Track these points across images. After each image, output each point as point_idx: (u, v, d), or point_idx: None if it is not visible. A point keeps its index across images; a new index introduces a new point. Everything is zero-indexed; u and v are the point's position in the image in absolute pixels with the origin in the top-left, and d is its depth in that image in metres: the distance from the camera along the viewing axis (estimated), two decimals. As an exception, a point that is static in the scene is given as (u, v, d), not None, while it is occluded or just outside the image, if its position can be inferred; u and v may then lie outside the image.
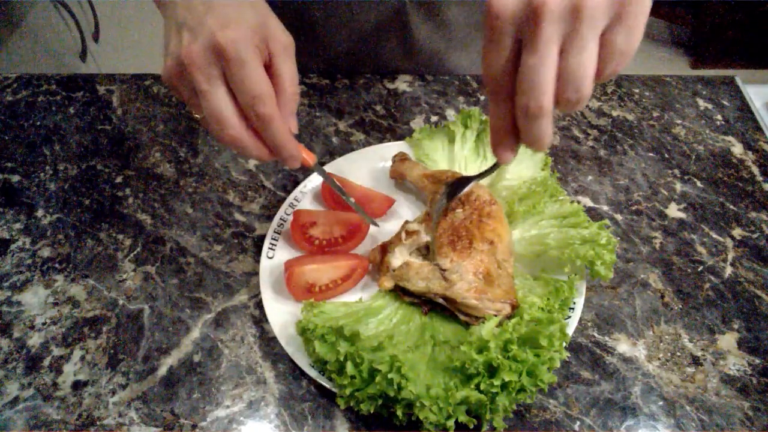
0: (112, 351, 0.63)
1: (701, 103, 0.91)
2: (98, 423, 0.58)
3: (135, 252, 0.72)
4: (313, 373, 0.58)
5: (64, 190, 0.79)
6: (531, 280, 0.65)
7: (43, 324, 0.66)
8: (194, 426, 0.58)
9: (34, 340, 0.64)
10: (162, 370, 0.62)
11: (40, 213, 0.77)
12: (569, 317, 0.61)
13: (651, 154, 0.83)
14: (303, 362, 0.59)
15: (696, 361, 0.62)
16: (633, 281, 0.69)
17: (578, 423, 0.58)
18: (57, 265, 0.71)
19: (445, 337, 0.60)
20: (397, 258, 0.63)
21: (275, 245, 0.69)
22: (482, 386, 0.51)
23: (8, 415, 0.59)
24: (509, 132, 0.45)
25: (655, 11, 2.70)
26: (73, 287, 0.69)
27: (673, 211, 0.76)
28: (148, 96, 0.92)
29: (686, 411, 0.58)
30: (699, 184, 0.79)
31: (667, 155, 0.83)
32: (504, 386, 0.51)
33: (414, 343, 0.59)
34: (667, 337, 0.64)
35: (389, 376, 0.51)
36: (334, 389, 0.56)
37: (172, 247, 0.73)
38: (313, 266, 0.64)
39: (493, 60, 0.42)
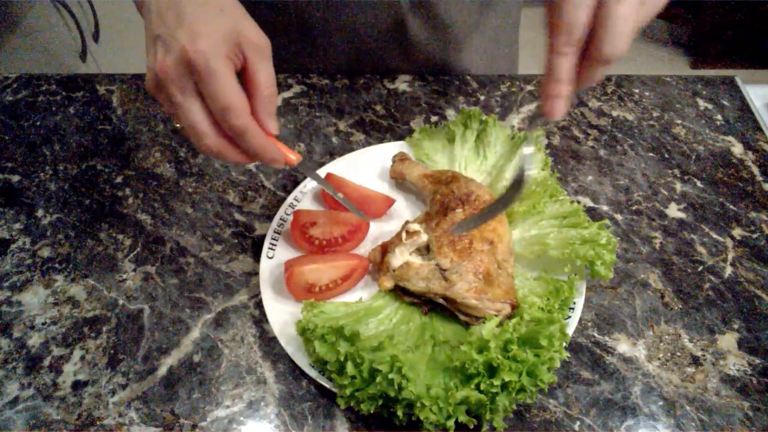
0: (112, 351, 0.63)
1: (701, 103, 0.91)
2: (98, 423, 0.58)
3: (135, 252, 0.72)
4: (313, 373, 0.58)
5: (64, 190, 0.79)
6: (531, 280, 0.65)
7: (43, 324, 0.66)
8: (194, 426, 0.58)
9: (34, 340, 0.64)
10: (162, 370, 0.62)
11: (40, 213, 0.77)
12: (569, 317, 0.61)
13: (651, 154, 0.83)
14: (303, 362, 0.59)
15: (696, 361, 0.62)
16: (633, 281, 0.69)
17: (578, 423, 0.58)
18: (57, 265, 0.71)
19: (445, 337, 0.60)
20: (398, 258, 0.63)
21: (275, 245, 0.69)
22: (482, 386, 0.51)
23: (8, 415, 0.59)
24: (571, 83, 0.47)
25: (655, 11, 2.71)
26: (73, 287, 0.69)
27: (673, 211, 0.76)
28: (148, 96, 0.92)
29: (686, 411, 0.58)
30: (699, 184, 0.79)
31: (667, 155, 0.83)
32: (504, 386, 0.51)
33: (414, 343, 0.59)
34: (667, 337, 0.64)
35: (389, 376, 0.51)
36: (334, 389, 0.56)
37: (172, 247, 0.73)
38: (313, 266, 0.64)
39: (573, 11, 0.44)
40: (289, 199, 0.74)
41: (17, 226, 0.75)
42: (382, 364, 0.51)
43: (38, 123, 0.88)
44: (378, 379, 0.51)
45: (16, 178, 0.81)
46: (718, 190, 0.78)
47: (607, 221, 0.65)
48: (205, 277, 0.70)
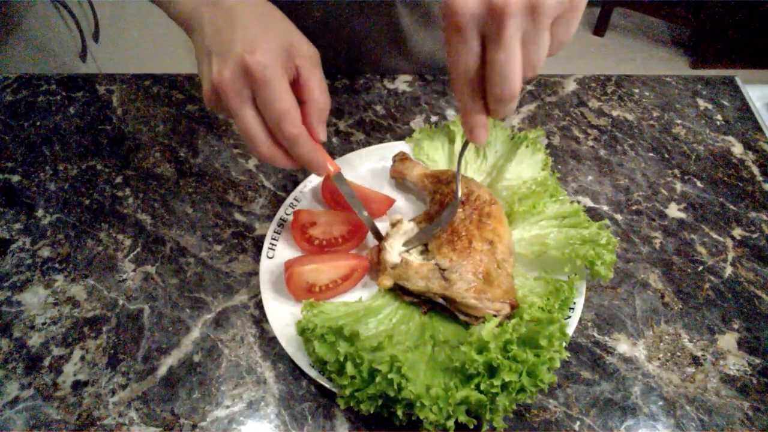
0: (112, 351, 0.63)
1: (701, 103, 0.91)
2: (98, 423, 0.58)
3: (135, 252, 0.72)
4: (313, 373, 0.58)
5: (64, 190, 0.79)
6: (531, 280, 0.65)
7: (43, 324, 0.66)
8: (194, 426, 0.58)
9: (34, 340, 0.64)
10: (162, 370, 0.62)
11: (40, 213, 0.77)
12: (569, 317, 0.61)
13: (651, 154, 0.83)
14: (303, 362, 0.59)
15: (696, 361, 0.62)
16: (633, 281, 0.69)
17: (578, 423, 0.58)
18: (57, 265, 0.71)
19: (444, 337, 0.60)
20: (392, 251, 0.63)
21: (275, 245, 0.69)
22: (482, 386, 0.51)
23: (8, 415, 0.59)
24: (481, 113, 0.49)
25: (655, 11, 2.71)
26: (73, 287, 0.69)
27: (673, 211, 0.76)
28: (148, 96, 0.92)
29: (686, 411, 0.58)
30: (699, 184, 0.79)
31: (667, 155, 0.83)
32: (504, 386, 0.51)
33: (414, 342, 0.59)
34: (667, 337, 0.64)
35: (389, 376, 0.51)
36: (334, 389, 0.56)
37: (172, 247, 0.73)
38: (313, 266, 0.64)
39: (463, 58, 0.45)
40: (289, 199, 0.74)
41: (17, 226, 0.75)
42: (381, 364, 0.51)
43: (38, 123, 0.88)
44: (378, 379, 0.51)
45: (16, 178, 0.81)
46: (718, 190, 0.78)
47: (607, 221, 0.65)
48: (205, 277, 0.70)
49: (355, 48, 0.92)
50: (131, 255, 0.72)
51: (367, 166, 0.78)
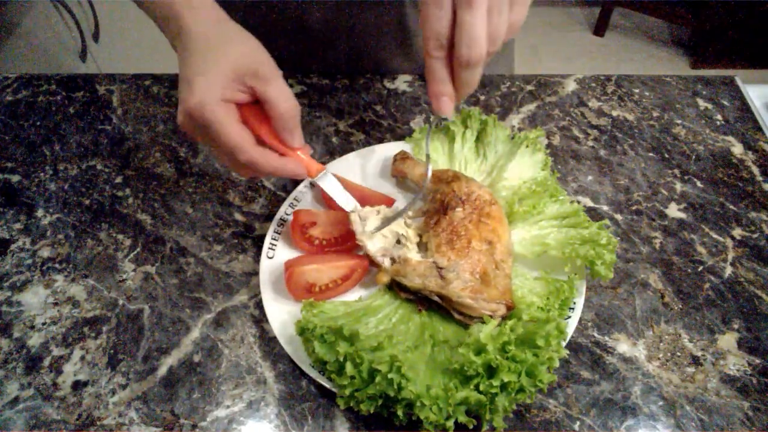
0: (112, 351, 0.63)
1: (701, 103, 0.91)
2: (98, 423, 0.58)
3: (135, 252, 0.72)
4: (313, 373, 0.58)
5: (64, 190, 0.79)
6: (531, 279, 0.65)
7: (43, 324, 0.66)
8: (194, 426, 0.58)
9: (34, 340, 0.64)
10: (162, 370, 0.62)
11: (40, 213, 0.77)
12: (569, 317, 0.61)
13: (651, 154, 0.83)
14: (303, 362, 0.59)
15: (696, 361, 0.62)
16: (633, 281, 0.69)
17: (578, 423, 0.58)
18: (57, 265, 0.71)
19: (444, 337, 0.60)
20: (369, 243, 0.64)
21: (275, 245, 0.69)
22: (481, 387, 0.51)
23: (8, 415, 0.59)
24: (448, 82, 0.53)
25: (655, 11, 2.71)
26: (73, 287, 0.69)
27: (673, 211, 0.76)
28: (148, 96, 0.92)
29: (686, 411, 0.58)
30: (699, 184, 0.79)
31: (667, 155, 0.83)
32: (503, 387, 0.51)
33: (413, 342, 0.59)
34: (667, 337, 0.64)
35: (389, 376, 0.51)
36: (334, 389, 0.56)
37: (172, 247, 0.73)
38: (313, 266, 0.64)
39: (435, 21, 0.49)
40: (289, 199, 0.74)
41: (17, 226, 0.75)
42: (381, 364, 0.51)
43: (38, 123, 0.88)
44: (377, 379, 0.51)
45: (16, 178, 0.81)
46: (718, 190, 0.78)
47: (607, 221, 0.65)
48: (205, 277, 0.70)
49: (357, 47, 0.92)
50: (131, 255, 0.72)
51: (367, 166, 0.78)
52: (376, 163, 0.79)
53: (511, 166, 0.73)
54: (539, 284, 0.63)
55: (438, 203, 0.67)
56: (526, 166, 0.73)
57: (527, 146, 0.74)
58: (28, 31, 2.28)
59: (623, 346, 0.63)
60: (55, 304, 0.68)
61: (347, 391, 0.53)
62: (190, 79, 0.54)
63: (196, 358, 0.63)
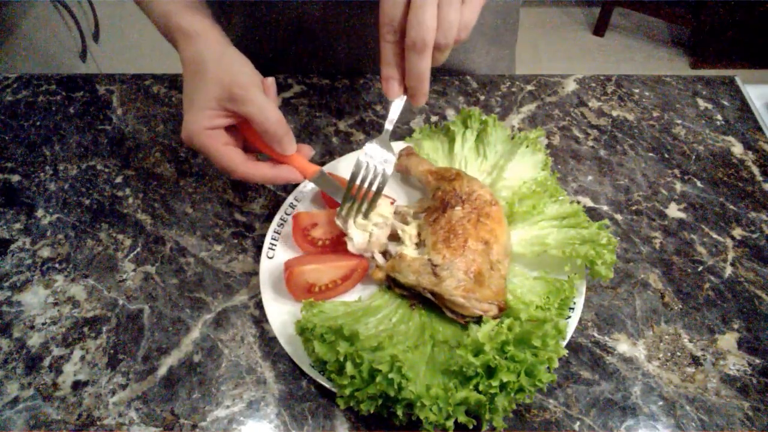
0: (112, 351, 0.63)
1: (701, 103, 0.91)
2: (98, 423, 0.58)
3: (135, 252, 0.72)
4: (313, 373, 0.58)
5: (64, 190, 0.79)
6: (531, 279, 0.65)
7: (43, 324, 0.66)
8: (194, 426, 0.58)
9: (34, 340, 0.64)
10: (162, 370, 0.62)
11: (40, 213, 0.77)
12: (569, 317, 0.61)
13: (651, 154, 0.83)
14: (303, 362, 0.59)
15: (696, 361, 0.62)
16: (633, 281, 0.69)
17: (578, 423, 0.58)
18: (57, 265, 0.71)
19: (444, 337, 0.60)
20: (355, 237, 0.65)
21: (275, 245, 0.69)
22: (481, 387, 0.51)
23: (8, 415, 0.59)
24: (396, 67, 0.55)
25: (655, 11, 2.71)
26: (73, 287, 0.69)
27: (673, 211, 0.76)
28: (148, 96, 0.92)
29: (686, 411, 0.58)
30: (699, 184, 0.79)
31: (667, 155, 0.83)
32: (503, 386, 0.51)
33: (413, 342, 0.59)
34: (667, 337, 0.64)
35: (389, 376, 0.51)
36: (334, 389, 0.56)
37: (172, 247, 0.73)
38: (313, 266, 0.64)
39: (391, 6, 0.52)
40: (289, 199, 0.74)
41: (17, 226, 0.75)
42: (381, 364, 0.51)
43: (38, 123, 0.88)
44: (378, 379, 0.51)
45: (16, 178, 0.81)
46: (718, 190, 0.78)
47: (607, 221, 0.65)
48: (205, 277, 0.70)
49: (357, 47, 0.92)
50: (131, 255, 0.72)
51: (367, 166, 0.78)
52: (376, 163, 0.79)
53: (511, 166, 0.73)
54: (539, 284, 0.63)
55: (438, 201, 0.67)
56: (526, 166, 0.73)
57: (527, 146, 0.74)
58: (28, 31, 2.28)
59: (623, 346, 0.63)
60: (55, 304, 0.68)
61: (347, 391, 0.53)
62: (184, 109, 0.61)
63: (196, 358, 0.63)
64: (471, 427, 0.53)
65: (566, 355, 0.61)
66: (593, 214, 0.76)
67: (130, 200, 0.78)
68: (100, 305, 0.67)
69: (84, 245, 0.73)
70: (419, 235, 0.67)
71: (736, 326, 0.65)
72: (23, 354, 0.63)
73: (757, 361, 0.62)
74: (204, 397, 0.60)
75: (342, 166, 0.77)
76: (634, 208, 0.77)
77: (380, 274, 0.64)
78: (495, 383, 0.51)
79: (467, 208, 0.65)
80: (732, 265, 0.70)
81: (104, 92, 0.93)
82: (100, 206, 0.77)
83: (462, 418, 0.52)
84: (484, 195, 0.66)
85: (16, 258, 0.72)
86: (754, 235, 0.73)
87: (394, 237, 0.68)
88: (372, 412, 0.54)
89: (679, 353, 0.63)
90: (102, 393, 0.60)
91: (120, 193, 0.79)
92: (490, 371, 0.52)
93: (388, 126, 0.64)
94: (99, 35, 2.53)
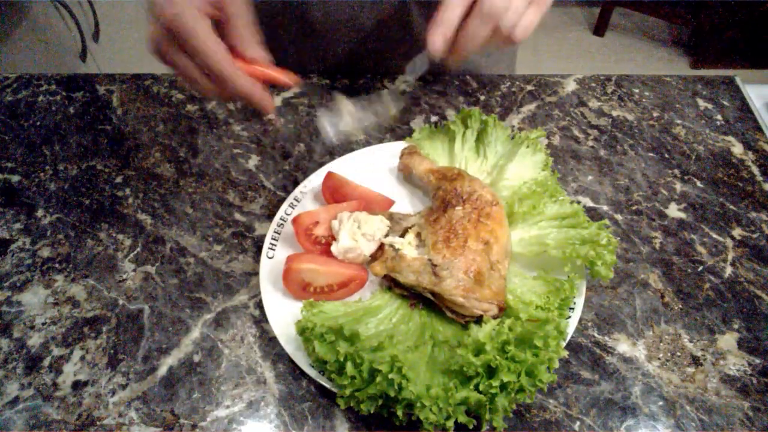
0: (112, 351, 0.63)
1: (701, 103, 0.91)
2: (98, 423, 0.58)
3: (135, 252, 0.72)
4: (313, 373, 0.58)
5: (64, 190, 0.79)
6: (531, 279, 0.65)
7: (43, 324, 0.66)
8: (194, 426, 0.58)
9: (34, 340, 0.64)
10: (162, 370, 0.62)
11: (40, 213, 0.77)
12: (569, 317, 0.61)
13: (651, 154, 0.83)
14: (303, 362, 0.59)
15: (696, 361, 0.62)
16: (633, 281, 0.69)
17: (578, 423, 0.58)
18: (57, 265, 0.71)
19: (444, 337, 0.60)
20: (341, 241, 0.65)
21: (275, 245, 0.69)
22: (481, 387, 0.51)
23: (8, 415, 0.59)
24: (453, 28, 0.58)
25: (655, 11, 2.71)
26: (73, 287, 0.69)
27: (673, 211, 0.76)
28: (148, 96, 0.92)
29: (686, 411, 0.58)
30: (699, 184, 0.79)
31: (667, 155, 0.83)
32: (503, 387, 0.51)
33: (414, 343, 0.59)
34: (667, 337, 0.64)
35: (390, 376, 0.51)
36: (334, 389, 0.56)
37: (172, 247, 0.73)
38: (311, 266, 0.64)
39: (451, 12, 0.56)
40: (289, 199, 0.74)
41: (17, 226, 0.75)
42: (381, 364, 0.51)
43: (38, 123, 0.88)
44: (378, 379, 0.51)
45: (16, 178, 0.81)
46: (718, 190, 0.78)
47: (607, 221, 0.65)
48: (205, 277, 0.70)
49: (358, 47, 0.92)
50: (131, 255, 0.72)
51: (367, 166, 0.78)
52: (376, 162, 0.79)
53: (511, 166, 0.73)
54: (539, 284, 0.63)
55: (439, 200, 0.67)
56: (526, 166, 0.73)
57: (527, 146, 0.74)
58: (28, 31, 2.28)
59: (623, 346, 0.63)
60: (55, 304, 0.68)
61: (347, 391, 0.53)
62: None
63: (196, 358, 0.63)
64: (471, 427, 0.53)
65: (566, 355, 0.61)
66: (593, 214, 0.76)
67: (130, 200, 0.78)
68: (100, 305, 0.67)
69: (84, 245, 0.73)
70: (419, 234, 0.67)
71: (736, 326, 0.65)
72: (23, 354, 0.63)
73: (757, 361, 0.62)
74: (204, 397, 0.60)
75: (342, 166, 0.77)
76: (634, 208, 0.77)
77: (378, 269, 0.64)
78: (495, 383, 0.51)
79: (468, 208, 0.65)
80: (732, 265, 0.70)
81: (104, 92, 0.93)
82: (100, 206, 0.77)
83: (462, 419, 0.52)
84: (485, 195, 0.66)
85: (16, 258, 0.72)
86: (754, 235, 0.73)
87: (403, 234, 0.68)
88: (372, 412, 0.54)
89: (679, 353, 0.63)
90: (102, 393, 0.60)
91: (120, 193, 0.79)
92: (491, 371, 0.52)
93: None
94: (99, 35, 2.53)
